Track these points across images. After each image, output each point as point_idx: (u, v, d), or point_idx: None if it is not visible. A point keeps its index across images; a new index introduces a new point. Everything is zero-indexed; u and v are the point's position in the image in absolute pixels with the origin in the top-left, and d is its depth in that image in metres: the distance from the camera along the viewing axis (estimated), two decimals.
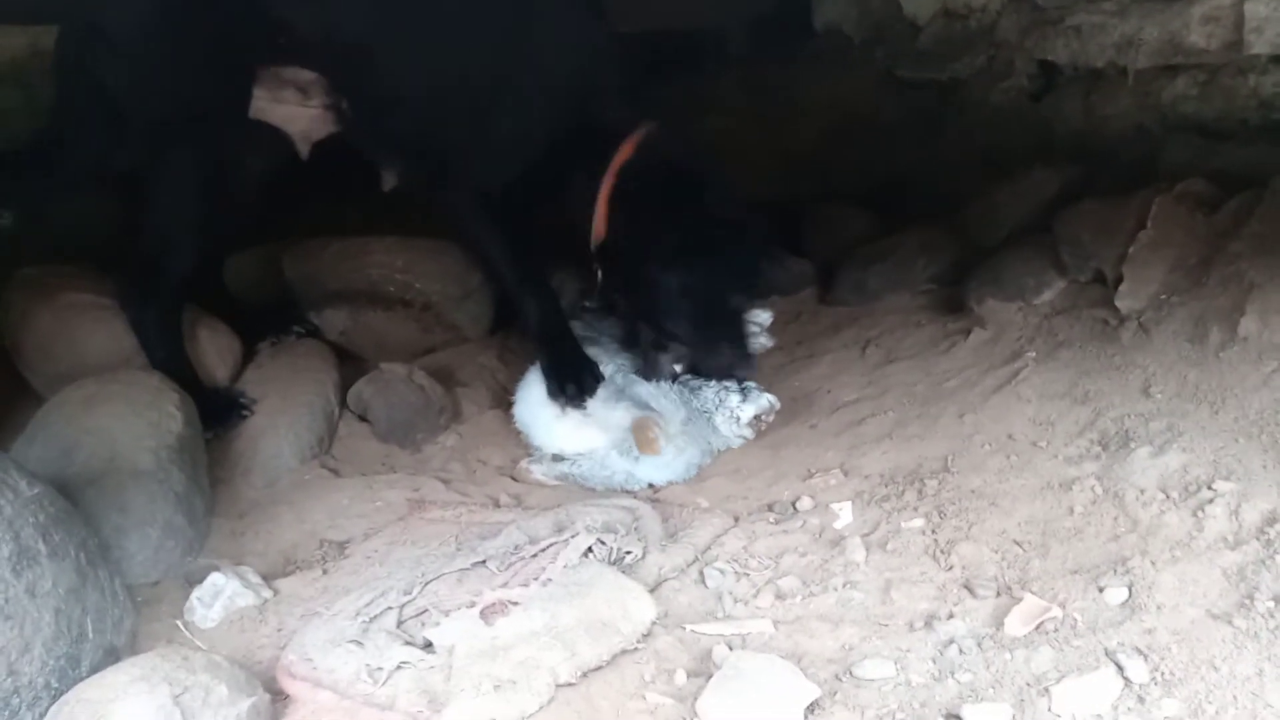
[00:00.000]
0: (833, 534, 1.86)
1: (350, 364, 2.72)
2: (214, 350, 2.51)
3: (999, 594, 1.59)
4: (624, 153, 2.37)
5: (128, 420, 2.04)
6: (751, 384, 2.32)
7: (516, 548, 1.77)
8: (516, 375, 2.51)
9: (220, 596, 1.80)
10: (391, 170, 2.62)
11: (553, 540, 1.74)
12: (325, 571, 1.95)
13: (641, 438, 2.16)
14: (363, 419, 2.55)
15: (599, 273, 2.48)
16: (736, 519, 1.95)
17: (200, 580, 1.85)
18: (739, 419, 2.27)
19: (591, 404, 2.31)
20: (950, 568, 1.68)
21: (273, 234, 3.00)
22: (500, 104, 2.38)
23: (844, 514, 1.92)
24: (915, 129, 3.64)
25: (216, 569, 1.91)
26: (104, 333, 2.40)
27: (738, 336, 2.38)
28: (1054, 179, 2.52)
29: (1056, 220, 2.37)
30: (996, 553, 1.68)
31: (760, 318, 2.62)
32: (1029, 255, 2.39)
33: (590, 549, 1.71)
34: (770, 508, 2.01)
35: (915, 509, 1.86)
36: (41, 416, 2.08)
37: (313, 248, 2.82)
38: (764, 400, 2.28)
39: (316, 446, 2.42)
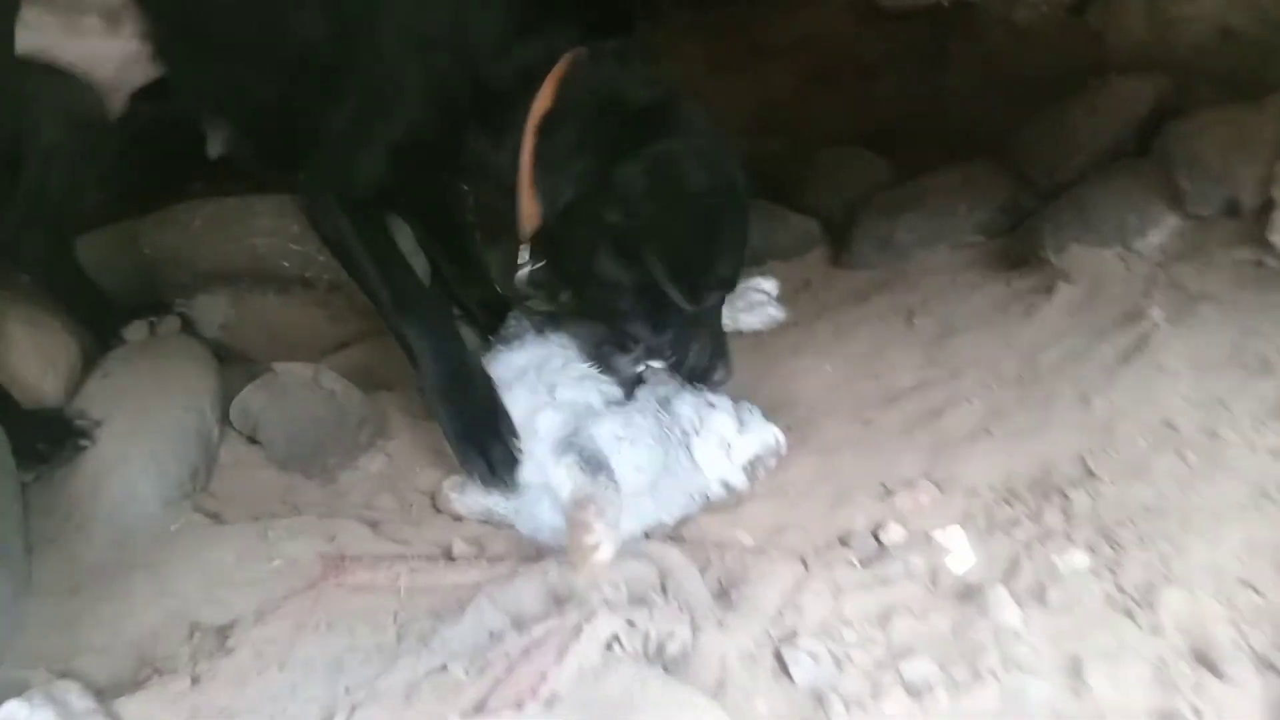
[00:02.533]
0: (953, 580, 1.28)
1: (234, 367, 2.04)
2: (36, 355, 1.81)
3: (1258, 670, 1.04)
4: (542, 100, 1.67)
5: None
6: (751, 407, 1.65)
7: (494, 637, 1.15)
8: None
9: None
10: (217, 132, 1.95)
11: (551, 624, 1.12)
12: (196, 681, 1.29)
13: (574, 541, 1.31)
14: (253, 440, 1.87)
15: (532, 268, 1.81)
16: (804, 563, 1.36)
17: None
18: (730, 452, 1.58)
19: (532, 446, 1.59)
20: (1159, 630, 1.12)
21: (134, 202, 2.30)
22: (353, 61, 1.73)
23: (958, 548, 1.34)
24: (906, 65, 3.13)
25: (25, 688, 1.25)
26: None
27: (714, 331, 1.75)
28: (1147, 90, 1.98)
29: (1165, 138, 1.83)
30: (1223, 602, 1.13)
31: (764, 285, 2.03)
32: (1124, 187, 1.85)
33: (616, 638, 1.09)
34: (844, 542, 1.42)
35: (1068, 537, 1.29)
36: None
37: (177, 215, 2.12)
38: (769, 435, 1.61)
39: (188, 482, 1.75)
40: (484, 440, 1.60)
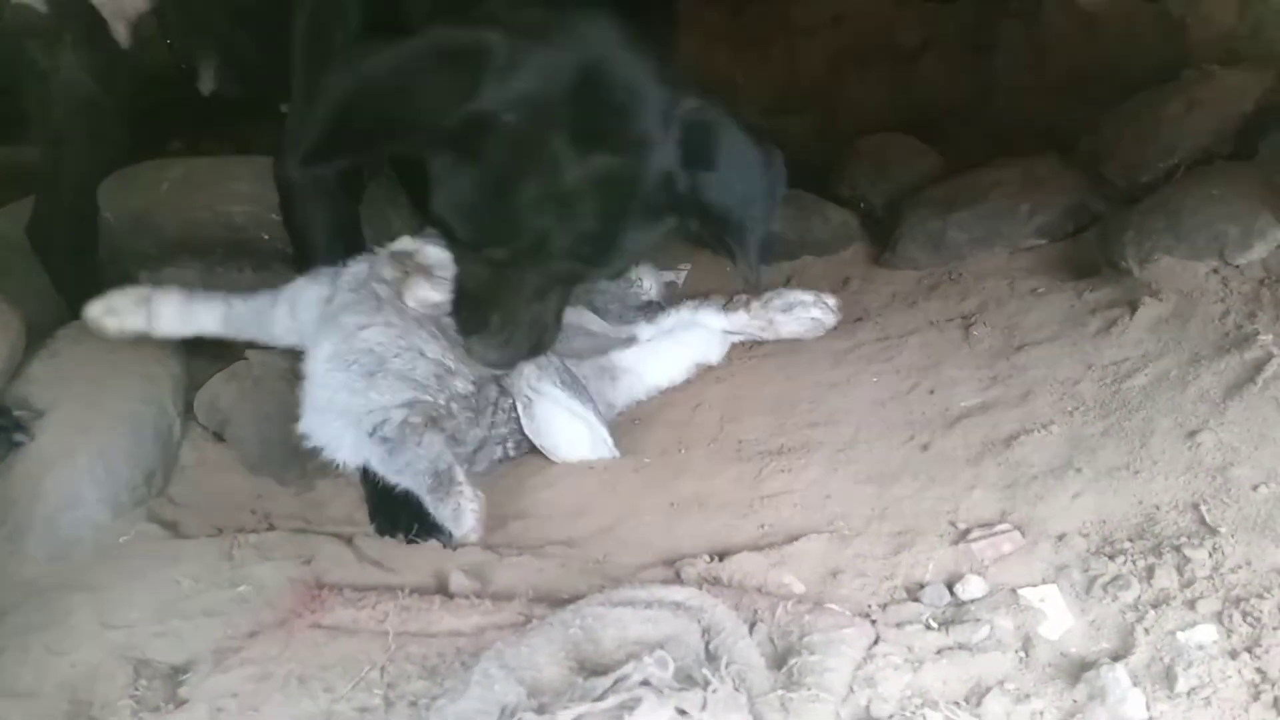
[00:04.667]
0: (1052, 653, 1.07)
1: (200, 353, 1.80)
2: None
3: None
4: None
5: None
6: None
7: (505, 714, 0.92)
8: None
9: None
10: (207, 65, 1.74)
11: (581, 709, 0.89)
12: None
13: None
14: (220, 438, 1.64)
15: None
16: (870, 620, 1.15)
17: None
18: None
19: None
20: None
21: None
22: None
23: (1052, 610, 1.13)
24: (948, 51, 2.91)
25: None
26: None
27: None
28: (1252, 85, 1.76)
29: (1273, 139, 1.62)
30: None
31: (803, 297, 1.82)
32: (1222, 193, 1.63)
33: None
34: (912, 594, 1.21)
35: (1188, 604, 1.08)
36: None
37: (143, 175, 1.87)
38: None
39: (143, 486, 1.53)
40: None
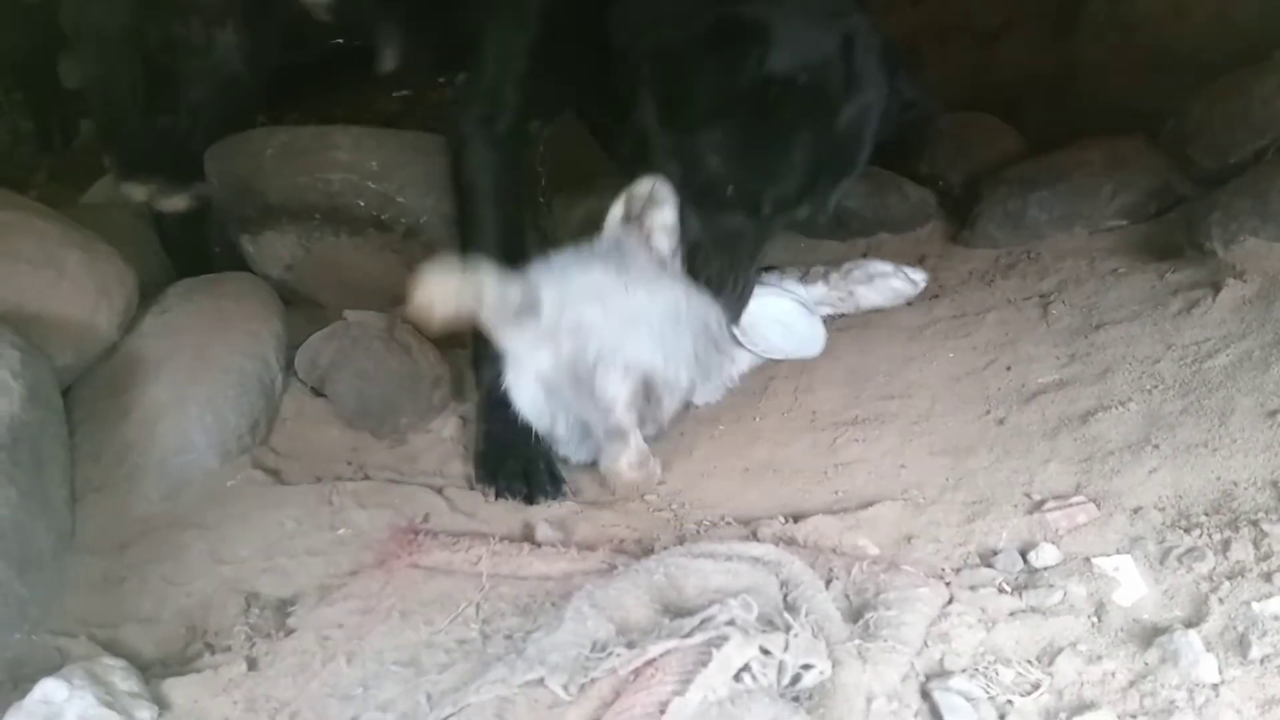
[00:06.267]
0: (1125, 619, 1.10)
1: (300, 312, 1.89)
2: (91, 285, 1.65)
3: None
4: None
5: None
6: None
7: (597, 648, 0.98)
8: None
9: None
10: (389, 43, 1.81)
11: (669, 644, 0.95)
12: (252, 664, 1.15)
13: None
14: (318, 393, 1.73)
15: None
16: (945, 582, 1.18)
17: (28, 684, 1.05)
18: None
19: None
20: None
21: None
22: None
23: (1126, 579, 1.15)
24: (1029, 31, 2.87)
25: (63, 661, 1.12)
26: None
27: (742, 260, 1.56)
28: None
29: None
30: None
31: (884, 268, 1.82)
32: None
33: (747, 667, 0.92)
34: (986, 560, 1.24)
35: (1264, 576, 1.10)
36: None
37: (248, 142, 1.96)
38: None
39: (248, 435, 1.61)
40: (521, 460, 1.51)
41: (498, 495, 1.48)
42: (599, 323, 1.40)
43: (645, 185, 1.47)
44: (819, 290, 1.77)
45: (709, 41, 1.40)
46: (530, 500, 1.47)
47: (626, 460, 1.41)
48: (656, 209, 1.47)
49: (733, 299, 1.55)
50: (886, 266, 1.80)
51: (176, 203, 2.02)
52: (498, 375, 1.50)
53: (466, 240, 1.62)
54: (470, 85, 1.67)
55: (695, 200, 1.49)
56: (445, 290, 1.30)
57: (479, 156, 1.62)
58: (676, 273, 1.51)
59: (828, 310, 1.80)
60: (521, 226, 1.66)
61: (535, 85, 1.62)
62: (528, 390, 1.48)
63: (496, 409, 1.53)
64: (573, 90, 1.74)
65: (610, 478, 1.45)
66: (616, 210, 1.49)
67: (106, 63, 1.92)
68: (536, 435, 1.51)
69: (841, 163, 1.50)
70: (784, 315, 1.68)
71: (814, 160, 1.46)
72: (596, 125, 1.95)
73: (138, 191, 2.02)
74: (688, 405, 1.60)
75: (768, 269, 1.93)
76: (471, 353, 1.66)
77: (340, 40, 2.66)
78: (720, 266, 1.52)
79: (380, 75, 2.02)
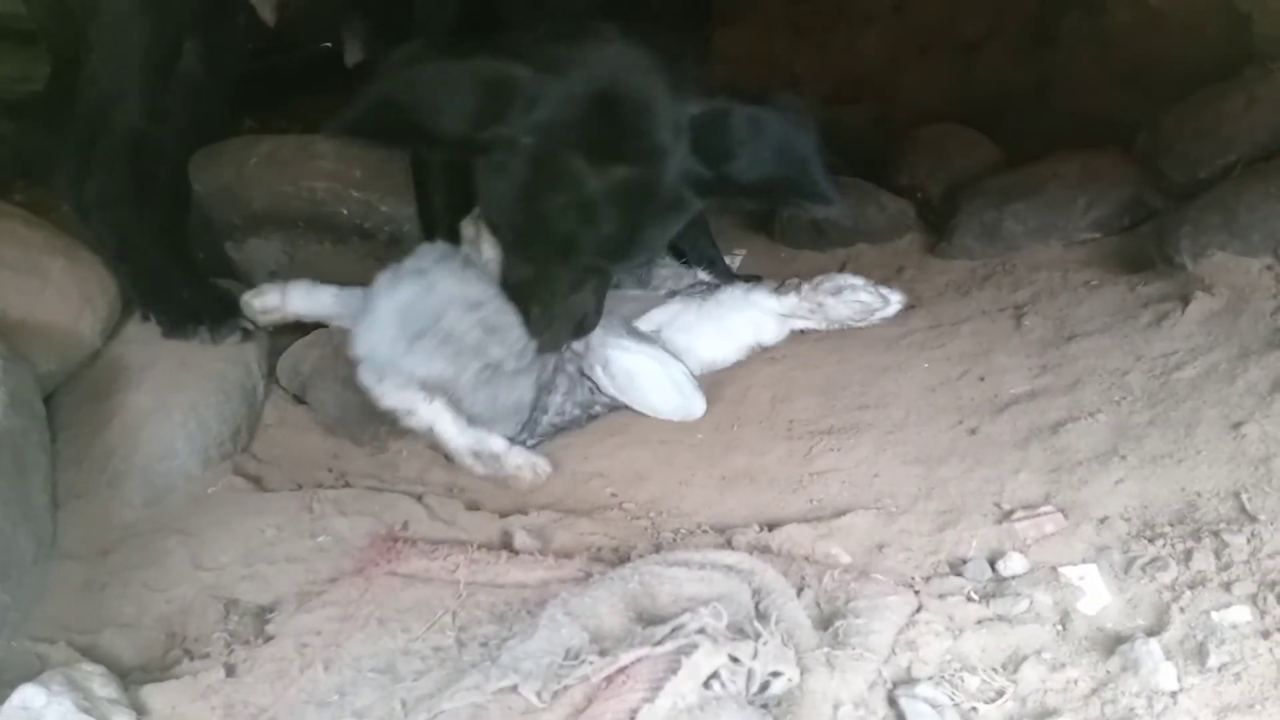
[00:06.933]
0: (1089, 628, 1.12)
1: None
2: (74, 291, 1.67)
3: None
4: None
5: None
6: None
7: (570, 655, 1.00)
8: None
9: None
10: (354, 35, 1.82)
11: (640, 651, 0.97)
12: (231, 671, 1.16)
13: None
14: (300, 400, 1.74)
15: None
16: (914, 590, 1.20)
17: (6, 690, 1.06)
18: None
19: None
20: None
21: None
22: None
23: (1090, 588, 1.18)
24: (1009, 43, 2.91)
25: (43, 666, 1.13)
26: None
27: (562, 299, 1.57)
28: None
29: None
30: None
31: (853, 281, 1.85)
32: None
33: (717, 675, 0.94)
34: (955, 569, 1.26)
35: (1224, 586, 1.13)
36: None
37: (232, 150, 1.97)
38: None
39: (230, 442, 1.63)
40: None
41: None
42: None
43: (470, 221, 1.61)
44: (791, 301, 1.79)
45: (464, 91, 1.33)
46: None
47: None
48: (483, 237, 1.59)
49: (541, 333, 1.58)
50: (857, 280, 1.82)
51: None
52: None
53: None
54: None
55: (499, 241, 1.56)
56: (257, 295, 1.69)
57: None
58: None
59: (800, 323, 1.84)
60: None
61: None
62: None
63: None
64: None
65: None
66: (467, 230, 1.63)
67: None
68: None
69: (608, 232, 1.41)
70: (678, 378, 1.71)
71: (561, 223, 1.41)
72: None
73: None
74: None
75: (747, 278, 1.97)
76: None
77: (328, 44, 2.66)
78: (528, 302, 1.57)
79: (349, 69, 2.03)
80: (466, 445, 1.57)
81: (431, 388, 1.53)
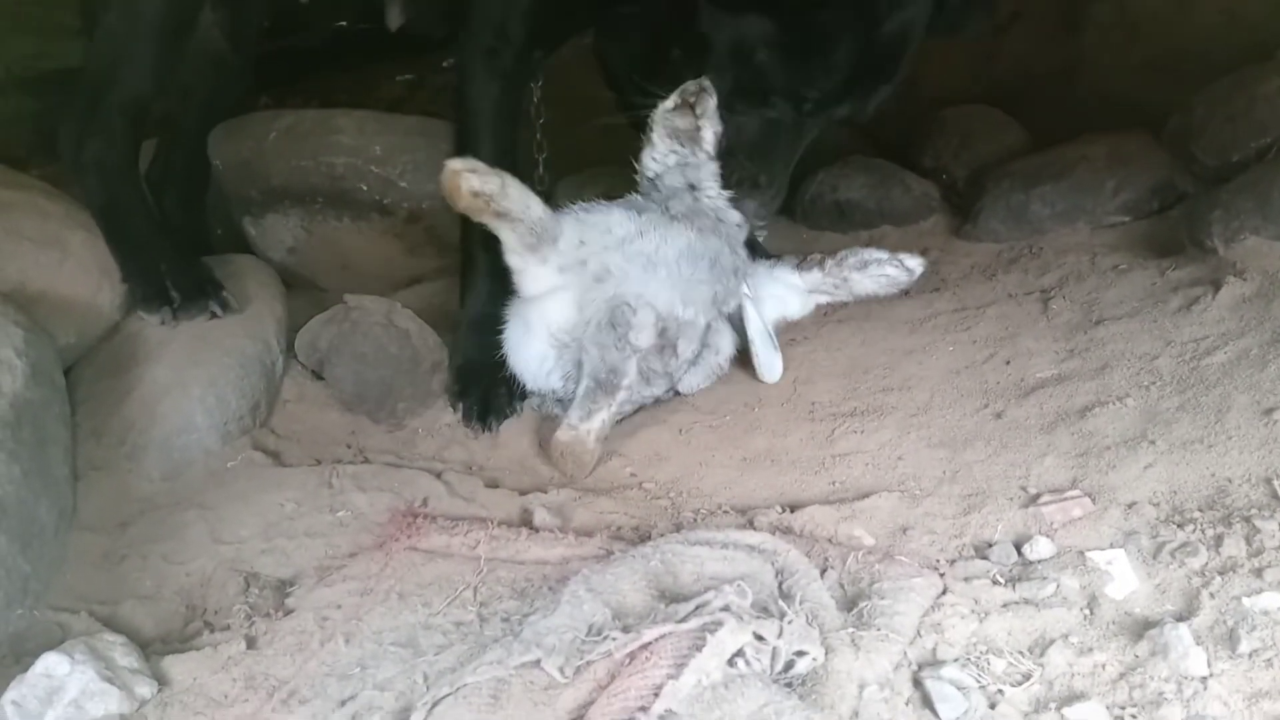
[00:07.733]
0: (1116, 612, 1.11)
1: (301, 294, 1.90)
2: (93, 265, 1.67)
3: None
4: None
5: None
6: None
7: (593, 631, 0.99)
8: None
9: (58, 700, 1.01)
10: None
11: (664, 628, 0.96)
12: (251, 643, 1.16)
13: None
14: (318, 376, 1.74)
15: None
16: (939, 573, 1.19)
17: (29, 658, 1.06)
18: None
19: None
20: None
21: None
22: None
23: (1118, 573, 1.16)
24: (1034, 25, 2.87)
25: (64, 636, 1.13)
26: None
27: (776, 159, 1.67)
28: None
29: None
30: None
31: (876, 256, 1.83)
32: None
33: (741, 653, 0.93)
34: (981, 552, 1.25)
35: (1255, 572, 1.11)
36: None
37: (251, 124, 1.96)
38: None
39: (248, 417, 1.62)
40: (486, 382, 1.64)
41: (464, 416, 1.62)
42: (623, 268, 1.53)
43: (692, 84, 1.55)
44: (814, 277, 1.78)
45: None
46: (483, 419, 1.61)
47: (587, 427, 1.50)
48: (705, 98, 1.55)
49: (766, 196, 1.66)
50: (881, 253, 1.80)
51: None
52: (482, 302, 1.67)
53: None
54: (477, 17, 1.69)
55: (737, 94, 1.58)
56: (474, 171, 1.43)
57: (482, 89, 1.68)
58: (699, 199, 1.62)
59: (824, 298, 1.82)
60: (517, 160, 1.73)
61: (539, 18, 1.68)
62: (537, 349, 1.60)
63: (475, 334, 1.68)
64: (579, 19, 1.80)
65: (554, 442, 1.53)
66: (668, 102, 1.58)
67: None
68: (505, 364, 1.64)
69: (881, 70, 1.58)
70: (773, 336, 1.73)
71: (854, 64, 1.53)
72: (607, 46, 1.90)
73: None
74: (675, 393, 1.69)
75: (768, 257, 1.95)
76: (461, 281, 1.75)
77: (344, 23, 2.65)
78: (757, 164, 1.63)
79: (391, 33, 2.03)
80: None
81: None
